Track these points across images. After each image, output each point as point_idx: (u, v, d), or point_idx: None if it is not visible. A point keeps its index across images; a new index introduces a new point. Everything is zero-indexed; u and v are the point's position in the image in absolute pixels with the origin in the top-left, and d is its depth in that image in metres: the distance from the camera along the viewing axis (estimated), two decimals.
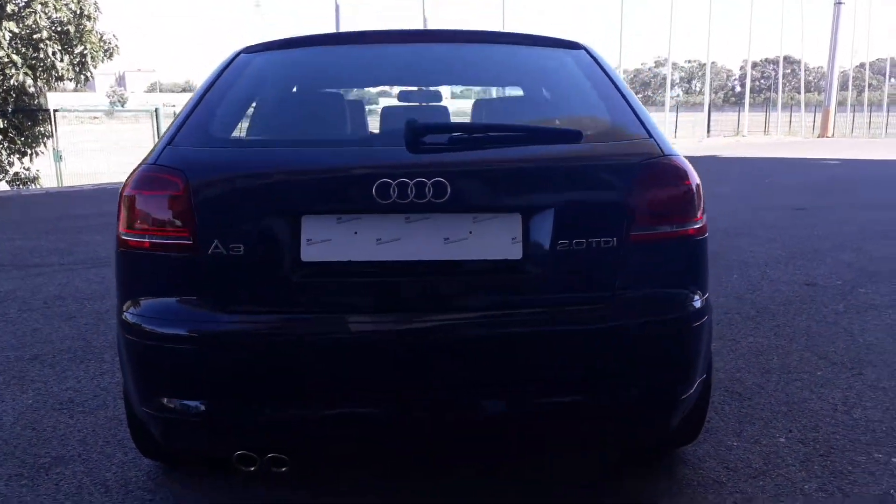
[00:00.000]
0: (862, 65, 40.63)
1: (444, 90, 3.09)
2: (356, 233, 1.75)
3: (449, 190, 1.71)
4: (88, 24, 14.36)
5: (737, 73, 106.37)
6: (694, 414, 2.11)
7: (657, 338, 1.84)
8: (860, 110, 35.46)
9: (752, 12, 26.56)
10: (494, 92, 3.26)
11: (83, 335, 3.84)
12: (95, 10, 14.56)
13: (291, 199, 1.77)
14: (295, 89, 2.45)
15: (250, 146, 2.04)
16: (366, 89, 3.85)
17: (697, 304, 1.89)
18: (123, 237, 1.87)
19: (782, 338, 3.63)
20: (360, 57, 2.37)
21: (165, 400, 1.85)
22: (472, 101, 2.53)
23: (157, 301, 1.84)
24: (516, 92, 2.63)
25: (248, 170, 1.83)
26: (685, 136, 26.04)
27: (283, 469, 1.87)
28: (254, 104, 2.25)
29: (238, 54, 2.23)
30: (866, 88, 37.14)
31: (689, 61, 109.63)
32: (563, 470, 2.34)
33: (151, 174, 1.83)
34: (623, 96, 2.08)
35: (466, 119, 2.68)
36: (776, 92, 30.78)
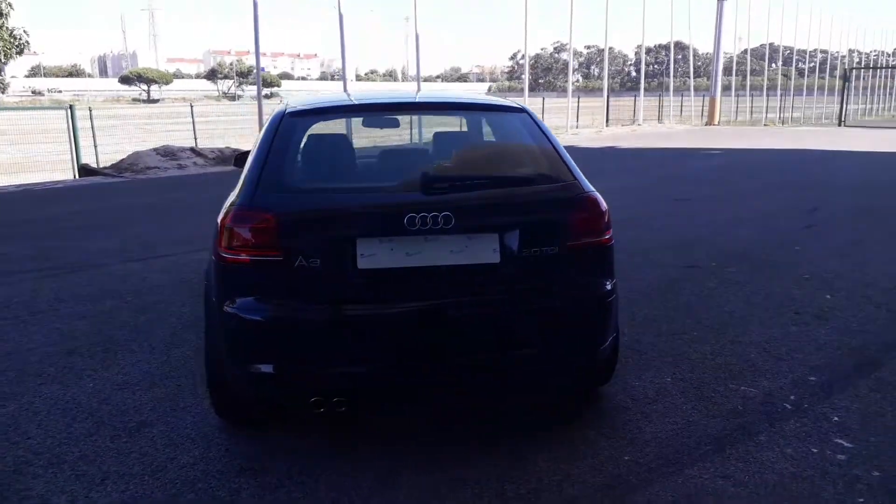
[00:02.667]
0: (745, 51, 43.55)
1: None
2: (392, 249, 2.66)
3: (452, 219, 2.64)
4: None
5: (632, 58, 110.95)
6: (609, 361, 3.14)
7: (585, 309, 2.86)
8: (744, 95, 38.18)
9: None
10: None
11: (101, 331, 4.52)
12: (8, 7, 14.46)
13: (349, 228, 2.67)
14: (336, 148, 3.33)
15: (315, 192, 2.88)
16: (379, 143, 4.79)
17: (608, 286, 2.91)
18: (224, 255, 2.70)
19: (669, 309, 4.76)
20: (376, 121, 3.27)
21: (262, 365, 2.71)
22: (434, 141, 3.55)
23: (253, 298, 2.69)
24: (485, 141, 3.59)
25: (317, 209, 2.71)
26: (586, 125, 27.65)
27: (343, 409, 2.76)
28: (307, 159, 3.11)
29: (283, 116, 3.05)
30: (748, 74, 40.05)
31: (588, 47, 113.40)
32: (520, 410, 3.33)
33: (248, 213, 2.67)
34: (555, 149, 3.06)
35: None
36: (668, 77, 32.69)
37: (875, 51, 56.32)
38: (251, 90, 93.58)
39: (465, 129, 3.87)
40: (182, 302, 5.11)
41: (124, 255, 6.60)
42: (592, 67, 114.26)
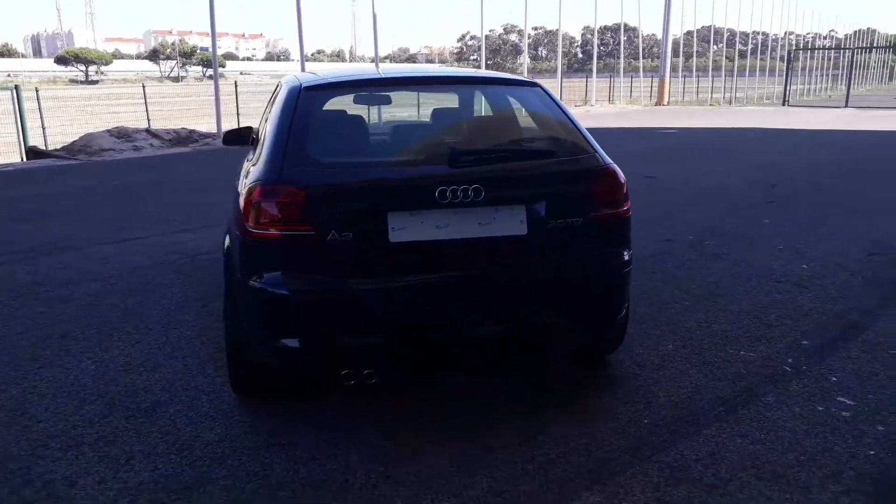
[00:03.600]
0: (689, 32, 44.45)
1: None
2: (422, 222, 2.67)
3: (482, 192, 2.67)
4: None
5: (579, 39, 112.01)
6: (622, 329, 3.23)
7: (607, 278, 2.93)
8: (689, 76, 38.99)
9: None
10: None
11: (91, 314, 4.42)
12: None
13: (379, 202, 2.66)
14: (354, 122, 3.30)
15: (342, 166, 2.85)
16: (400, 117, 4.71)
17: (626, 257, 2.99)
18: (252, 230, 2.67)
19: (657, 281, 4.89)
20: (394, 95, 3.26)
21: (289, 339, 2.71)
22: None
23: (281, 272, 2.67)
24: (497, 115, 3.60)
25: (348, 183, 2.70)
26: None
27: (373, 381, 2.78)
28: (328, 133, 3.08)
29: (300, 91, 3.01)
30: (694, 56, 40.90)
31: (536, 28, 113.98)
32: (532, 379, 3.40)
33: (277, 187, 2.64)
34: (572, 122, 3.11)
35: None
36: (616, 58, 33.15)
37: (810, 33, 58.18)
38: (195, 71, 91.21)
39: (476, 103, 3.89)
40: (170, 283, 5.02)
41: (95, 238, 6.43)
42: (540, 49, 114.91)
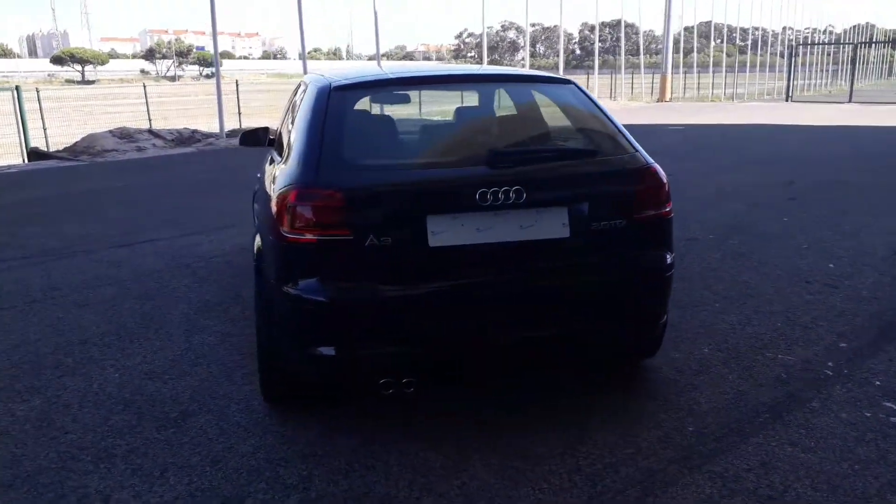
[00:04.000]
0: (688, 28, 44.33)
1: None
2: (463, 225, 2.58)
3: (524, 193, 2.58)
4: None
5: (577, 36, 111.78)
6: (663, 333, 3.15)
7: (652, 282, 2.84)
8: (690, 72, 38.89)
9: None
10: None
11: (110, 320, 4.33)
12: None
13: (419, 204, 2.58)
14: (392, 121, 3.21)
15: (380, 168, 2.75)
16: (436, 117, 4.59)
17: (669, 259, 2.91)
18: (288, 235, 2.58)
19: (684, 281, 4.80)
20: (427, 93, 3.17)
21: (324, 348, 2.62)
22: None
23: (318, 278, 2.58)
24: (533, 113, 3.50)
25: (386, 185, 2.61)
26: None
27: (411, 390, 2.69)
28: (360, 133, 2.99)
29: (330, 90, 2.92)
30: (694, 52, 40.80)
31: (533, 25, 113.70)
32: (570, 385, 3.32)
33: (314, 191, 2.55)
34: (610, 120, 3.02)
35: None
36: (614, 55, 33.03)
37: (808, 28, 58.04)
38: (192, 70, 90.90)
39: (508, 101, 3.79)
40: (187, 287, 4.94)
41: (108, 241, 6.34)
42: (538, 45, 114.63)
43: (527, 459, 2.70)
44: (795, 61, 33.26)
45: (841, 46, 47.93)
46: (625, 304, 2.83)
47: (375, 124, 3.18)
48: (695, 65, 38.88)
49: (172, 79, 79.93)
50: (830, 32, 65.98)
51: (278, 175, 2.97)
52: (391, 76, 3.24)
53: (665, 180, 2.88)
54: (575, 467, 2.64)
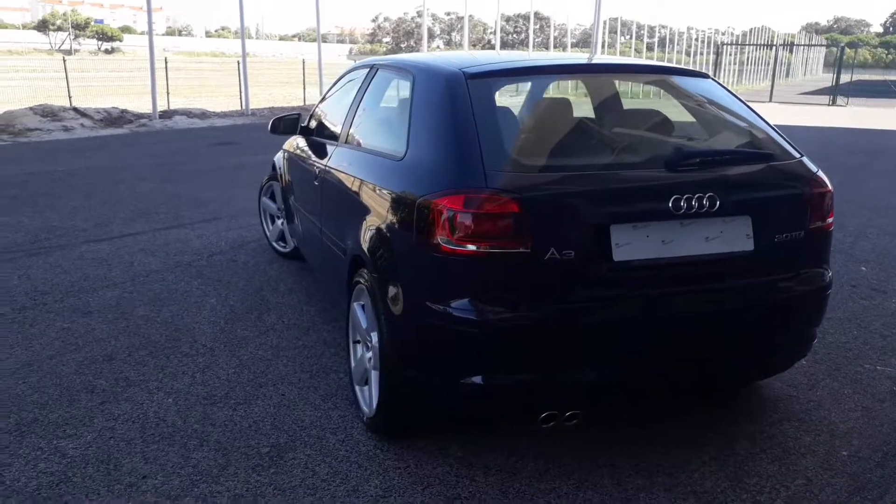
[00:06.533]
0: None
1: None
2: (648, 236, 2.28)
3: (715, 201, 2.30)
4: None
5: (492, 26, 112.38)
6: None
7: (818, 298, 2.63)
8: None
9: None
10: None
11: (127, 330, 3.77)
12: None
13: (603, 213, 2.25)
14: (550, 116, 2.83)
15: (552, 171, 2.38)
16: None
17: (829, 275, 2.70)
18: (444, 246, 2.20)
19: None
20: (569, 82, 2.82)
21: (476, 377, 2.26)
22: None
23: (481, 297, 2.22)
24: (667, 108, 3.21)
25: (566, 191, 2.26)
26: None
27: (574, 422, 2.37)
28: (518, 129, 2.61)
29: (465, 78, 2.53)
30: (606, 46, 41.70)
31: (448, 13, 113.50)
32: (683, 407, 3.08)
33: (485, 196, 2.18)
34: (762, 119, 2.79)
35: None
36: (527, 46, 33.19)
37: (710, 28, 60.57)
38: (89, 44, 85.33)
39: (651, 95, 3.47)
40: (200, 291, 4.40)
41: (80, 235, 5.64)
42: (454, 34, 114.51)
43: (676, 489, 2.44)
44: (721, 60, 34.53)
45: (746, 47, 50.13)
46: (796, 323, 2.61)
47: (523, 119, 2.79)
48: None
49: (68, 52, 74.64)
50: (731, 33, 68.98)
51: (394, 173, 2.58)
52: (530, 64, 2.87)
53: (832, 189, 2.67)
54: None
